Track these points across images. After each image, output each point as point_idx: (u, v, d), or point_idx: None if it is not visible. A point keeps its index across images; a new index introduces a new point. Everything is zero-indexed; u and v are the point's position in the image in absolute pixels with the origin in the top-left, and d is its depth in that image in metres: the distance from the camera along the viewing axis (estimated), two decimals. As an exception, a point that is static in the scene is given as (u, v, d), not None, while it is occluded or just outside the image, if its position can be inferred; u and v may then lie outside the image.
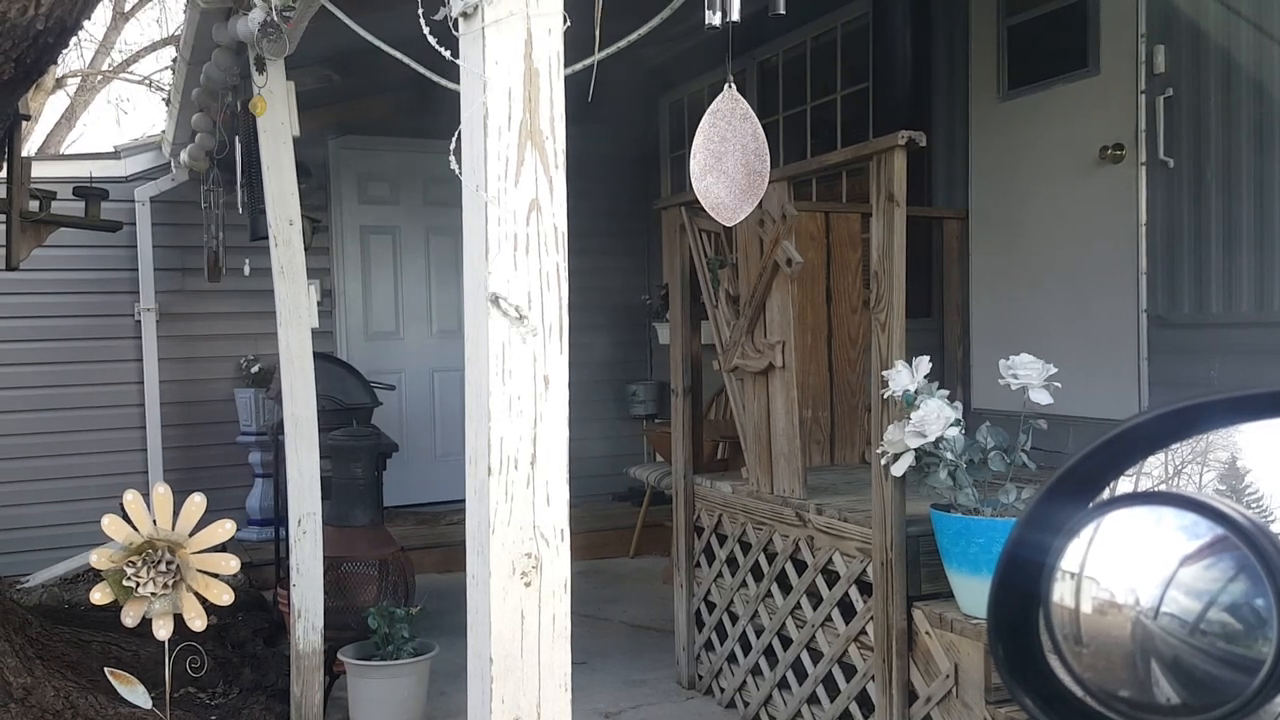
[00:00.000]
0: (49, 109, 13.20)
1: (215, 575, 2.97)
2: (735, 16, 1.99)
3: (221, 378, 6.24)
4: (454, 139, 1.59)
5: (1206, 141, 3.60)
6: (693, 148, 2.24)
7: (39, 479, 5.84)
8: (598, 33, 1.78)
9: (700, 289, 4.02)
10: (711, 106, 2.24)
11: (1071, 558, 0.74)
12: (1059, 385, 2.72)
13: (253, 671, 3.98)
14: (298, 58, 3.51)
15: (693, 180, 2.25)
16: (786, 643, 3.50)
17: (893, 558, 2.97)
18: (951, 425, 2.72)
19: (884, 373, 2.91)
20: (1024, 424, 2.75)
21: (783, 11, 2.10)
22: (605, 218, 6.83)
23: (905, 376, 2.82)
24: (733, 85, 2.25)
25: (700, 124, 2.24)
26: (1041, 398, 2.70)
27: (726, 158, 2.24)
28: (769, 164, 2.30)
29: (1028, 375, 2.72)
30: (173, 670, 3.05)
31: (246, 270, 5.75)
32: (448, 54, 1.60)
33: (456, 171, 1.58)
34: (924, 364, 2.83)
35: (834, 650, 3.26)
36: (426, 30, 1.61)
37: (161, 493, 2.95)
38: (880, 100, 5.14)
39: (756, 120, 2.27)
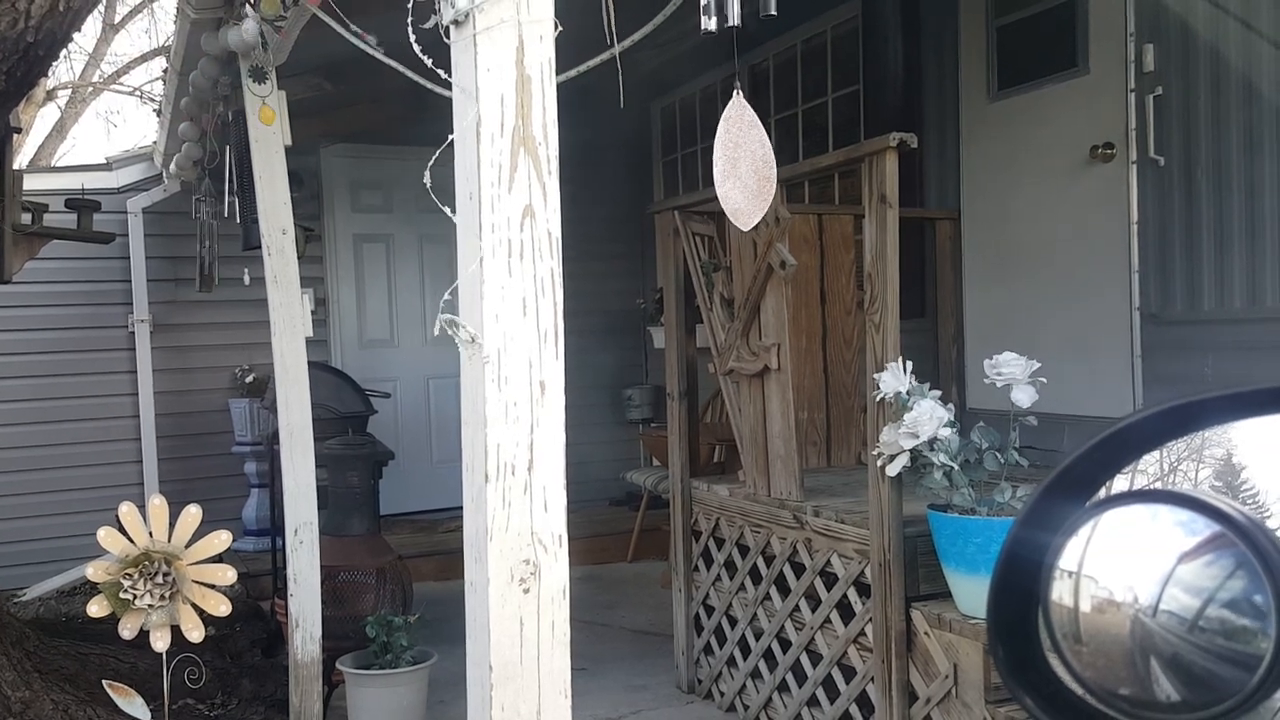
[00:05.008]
0: (40, 121, 13.18)
1: (212, 586, 2.97)
2: (736, 21, 1.98)
3: (216, 388, 6.22)
4: (442, 150, 1.58)
5: (1196, 139, 3.61)
6: (714, 154, 2.25)
7: (34, 492, 5.82)
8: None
9: (695, 293, 4.02)
10: (724, 113, 2.24)
11: (1070, 556, 0.74)
12: (1044, 380, 2.73)
13: (251, 682, 3.97)
14: (289, 66, 3.52)
15: (716, 186, 2.26)
16: (785, 645, 3.50)
17: (890, 559, 2.97)
18: (945, 426, 2.72)
19: (875, 375, 2.92)
20: (1013, 421, 2.76)
21: (774, 12, 2.09)
22: (599, 222, 6.83)
23: (894, 379, 2.83)
24: (739, 92, 2.24)
25: (717, 130, 2.24)
26: (1022, 396, 2.70)
27: (740, 163, 2.24)
28: (775, 169, 2.30)
29: (1011, 372, 2.73)
30: (171, 682, 3.04)
31: (246, 280, 5.71)
32: (429, 62, 1.60)
33: (429, 188, 1.59)
34: (906, 367, 2.85)
35: (833, 652, 3.26)
36: (414, 39, 1.61)
37: (157, 504, 2.94)
38: (871, 102, 5.15)
39: (762, 127, 2.27)
